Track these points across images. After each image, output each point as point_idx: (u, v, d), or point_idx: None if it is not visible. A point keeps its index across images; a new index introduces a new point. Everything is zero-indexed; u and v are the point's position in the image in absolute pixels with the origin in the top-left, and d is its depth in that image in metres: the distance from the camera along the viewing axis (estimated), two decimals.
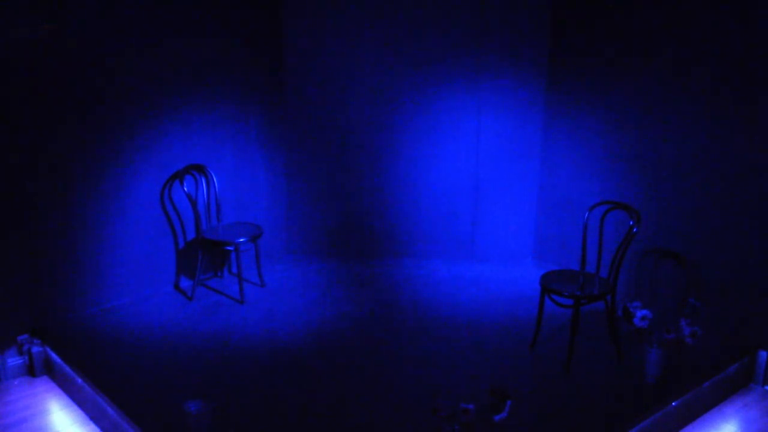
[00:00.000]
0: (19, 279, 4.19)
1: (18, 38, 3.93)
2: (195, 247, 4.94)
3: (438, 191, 5.47)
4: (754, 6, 3.93)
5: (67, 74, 4.17)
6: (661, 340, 3.67)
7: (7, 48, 3.89)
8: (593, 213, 4.20)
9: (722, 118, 4.18)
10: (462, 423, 3.10)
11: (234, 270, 5.28)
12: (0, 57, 3.88)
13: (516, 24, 5.05)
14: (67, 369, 3.98)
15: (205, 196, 4.97)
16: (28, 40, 3.97)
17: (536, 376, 3.88)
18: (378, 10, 5.14)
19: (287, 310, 4.66)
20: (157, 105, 4.61)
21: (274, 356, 4.05)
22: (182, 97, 4.73)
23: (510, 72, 5.14)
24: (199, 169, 4.90)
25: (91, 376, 3.77)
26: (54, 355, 4.13)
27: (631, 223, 3.82)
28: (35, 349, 4.22)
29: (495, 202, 5.43)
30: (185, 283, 5.04)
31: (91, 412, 3.79)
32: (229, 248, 4.73)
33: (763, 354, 4.18)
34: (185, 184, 4.74)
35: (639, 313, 3.74)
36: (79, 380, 3.85)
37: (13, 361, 4.22)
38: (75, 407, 3.91)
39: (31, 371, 4.24)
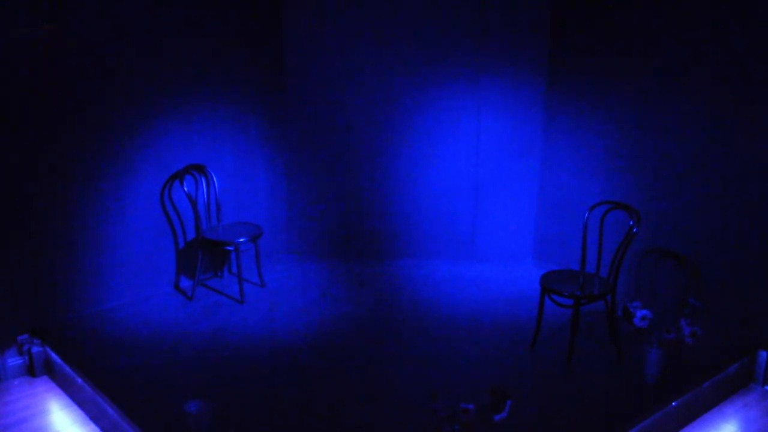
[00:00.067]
0: (19, 279, 4.20)
1: (18, 38, 3.93)
2: (195, 247, 4.94)
3: (438, 191, 5.47)
4: (754, 6, 3.93)
5: (67, 74, 4.17)
6: (661, 340, 3.67)
7: (7, 48, 3.90)
8: (593, 213, 4.20)
9: (722, 118, 4.18)
10: (462, 423, 3.10)
11: (234, 270, 5.28)
12: (0, 57, 3.88)
13: (516, 24, 5.05)
14: (67, 369, 3.98)
15: (205, 196, 4.97)
16: (28, 40, 3.97)
17: (536, 376, 3.88)
18: (378, 11, 5.13)
19: (287, 310, 4.66)
20: (157, 105, 4.61)
21: (274, 356, 4.05)
22: (182, 97, 4.73)
23: (510, 72, 5.14)
24: (199, 169, 4.90)
25: (91, 376, 3.77)
26: (54, 355, 4.13)
27: (631, 223, 3.82)
28: (35, 349, 4.22)
29: (495, 202, 5.43)
30: (185, 283, 5.04)
31: (91, 412, 3.80)
32: (229, 248, 4.73)
33: (763, 354, 4.18)
34: (185, 184, 4.74)
35: (639, 313, 3.74)
36: (79, 380, 3.85)
37: (13, 361, 4.22)
38: (75, 407, 3.91)
39: (31, 371, 4.24)
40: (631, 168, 4.71)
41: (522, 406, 3.43)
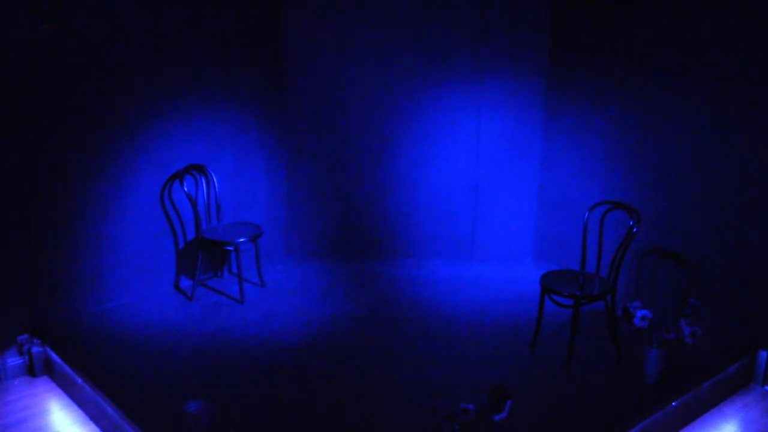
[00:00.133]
0: (19, 279, 4.20)
1: (18, 38, 3.93)
2: (195, 247, 4.94)
3: (438, 191, 5.47)
4: (755, 6, 3.93)
5: (67, 74, 4.17)
6: (661, 340, 3.67)
7: (7, 48, 3.90)
8: (593, 213, 4.20)
9: (722, 119, 4.18)
10: (462, 423, 3.10)
11: (234, 270, 5.28)
12: (0, 57, 3.88)
13: (516, 24, 5.05)
14: (67, 369, 3.98)
15: (205, 196, 4.97)
16: (28, 40, 3.97)
17: (536, 376, 3.88)
18: (378, 11, 5.13)
19: (287, 310, 4.66)
20: (157, 105, 4.61)
21: (274, 356, 4.05)
22: (182, 97, 4.73)
23: (510, 72, 5.14)
24: (199, 169, 4.90)
25: (91, 376, 3.77)
26: (54, 355, 4.13)
27: (631, 223, 3.82)
28: (35, 349, 4.22)
29: (495, 202, 5.43)
30: (185, 283, 5.04)
31: (91, 412, 3.80)
32: (229, 248, 4.73)
33: (763, 354, 4.18)
34: (185, 184, 4.74)
35: (639, 313, 3.74)
36: (79, 380, 3.85)
37: (13, 361, 4.22)
38: (75, 407, 3.91)
39: (31, 371, 4.24)
40: (631, 168, 4.71)
41: (522, 406, 3.43)
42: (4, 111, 3.96)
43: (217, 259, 5.21)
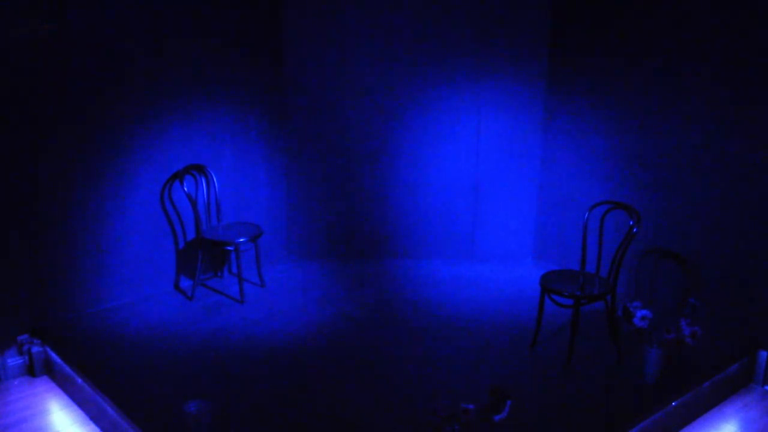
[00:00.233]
0: (19, 279, 4.20)
1: (18, 38, 3.93)
2: (195, 247, 4.94)
3: (438, 191, 5.47)
4: (755, 6, 3.93)
5: (67, 74, 4.17)
6: (661, 340, 3.67)
7: (7, 48, 3.89)
8: (593, 213, 4.20)
9: (722, 118, 4.18)
10: (462, 423, 3.10)
11: (234, 270, 5.28)
12: (0, 57, 3.88)
13: (516, 24, 5.06)
14: (67, 369, 3.98)
15: (205, 196, 4.97)
16: (28, 40, 3.97)
17: (536, 376, 3.88)
18: (378, 10, 5.13)
19: (287, 310, 4.66)
20: (157, 105, 4.61)
21: (274, 356, 4.05)
22: (182, 97, 4.73)
23: (510, 72, 5.14)
24: (199, 169, 4.90)
25: (91, 376, 3.77)
26: (54, 355, 4.13)
27: (631, 223, 3.82)
28: (35, 349, 4.22)
29: (495, 201, 5.43)
30: (185, 283, 5.04)
31: (91, 412, 3.80)
32: (229, 248, 4.73)
33: (763, 354, 4.18)
34: (185, 184, 4.74)
35: (639, 313, 3.74)
36: (79, 380, 3.85)
37: (13, 361, 4.22)
38: (75, 407, 3.91)
39: (31, 371, 4.24)
40: (631, 168, 4.71)
41: (522, 406, 3.43)
42: (4, 111, 3.96)
43: (217, 259, 5.21)
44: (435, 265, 5.46)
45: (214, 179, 4.93)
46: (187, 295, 4.86)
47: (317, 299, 4.84)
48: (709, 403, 3.93)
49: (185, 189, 4.70)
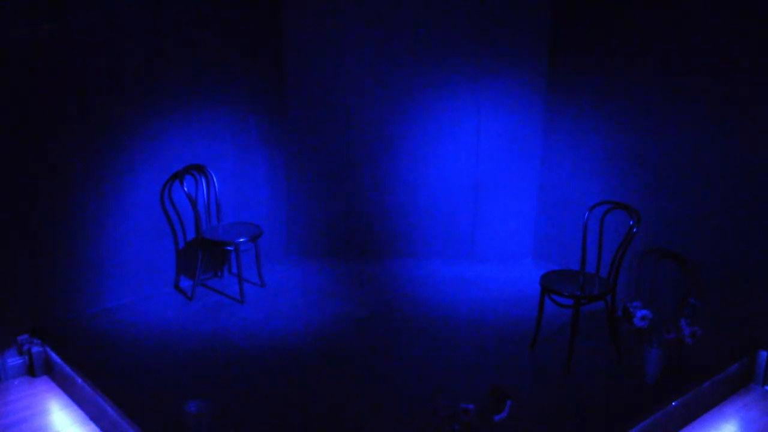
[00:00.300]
0: (19, 279, 4.20)
1: (18, 38, 3.93)
2: (195, 247, 4.94)
3: (438, 191, 5.47)
4: (754, 6, 3.93)
5: (67, 74, 4.17)
6: (661, 340, 3.67)
7: (7, 48, 3.89)
8: (593, 213, 4.20)
9: (722, 118, 4.18)
10: (462, 423, 3.10)
11: (234, 270, 5.28)
12: (0, 57, 3.88)
13: (516, 24, 5.06)
14: (67, 369, 3.98)
15: (205, 196, 4.97)
16: (28, 40, 3.97)
17: (536, 376, 3.88)
18: (378, 10, 5.14)
19: (287, 310, 4.66)
20: (157, 105, 4.61)
21: (274, 356, 4.05)
22: (182, 97, 4.73)
23: (510, 72, 5.14)
24: (199, 169, 4.90)
25: (91, 376, 3.77)
26: (54, 355, 4.13)
27: (631, 223, 3.82)
28: (35, 349, 4.22)
29: (495, 201, 5.43)
30: (185, 283, 5.04)
31: (91, 412, 3.79)
32: (229, 248, 4.73)
33: (763, 354, 4.18)
34: (185, 184, 4.74)
35: (639, 313, 3.74)
36: (79, 380, 3.85)
37: (13, 361, 4.22)
38: (75, 407, 3.91)
39: (31, 371, 4.24)
40: (631, 168, 4.71)
41: (522, 406, 3.43)
42: (4, 111, 3.96)
43: (217, 259, 5.21)
44: (435, 265, 5.47)
45: (214, 179, 4.93)
46: (187, 295, 4.86)
47: (317, 299, 4.84)
48: (709, 403, 3.93)
49: (185, 189, 4.70)
